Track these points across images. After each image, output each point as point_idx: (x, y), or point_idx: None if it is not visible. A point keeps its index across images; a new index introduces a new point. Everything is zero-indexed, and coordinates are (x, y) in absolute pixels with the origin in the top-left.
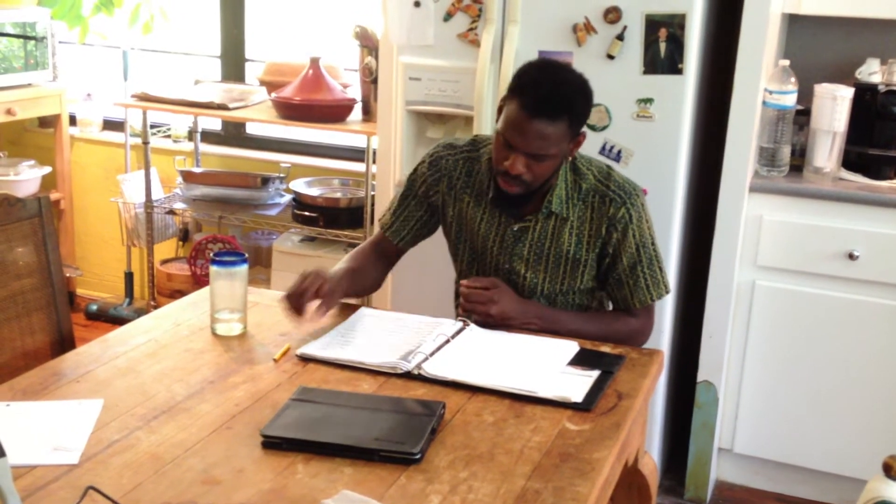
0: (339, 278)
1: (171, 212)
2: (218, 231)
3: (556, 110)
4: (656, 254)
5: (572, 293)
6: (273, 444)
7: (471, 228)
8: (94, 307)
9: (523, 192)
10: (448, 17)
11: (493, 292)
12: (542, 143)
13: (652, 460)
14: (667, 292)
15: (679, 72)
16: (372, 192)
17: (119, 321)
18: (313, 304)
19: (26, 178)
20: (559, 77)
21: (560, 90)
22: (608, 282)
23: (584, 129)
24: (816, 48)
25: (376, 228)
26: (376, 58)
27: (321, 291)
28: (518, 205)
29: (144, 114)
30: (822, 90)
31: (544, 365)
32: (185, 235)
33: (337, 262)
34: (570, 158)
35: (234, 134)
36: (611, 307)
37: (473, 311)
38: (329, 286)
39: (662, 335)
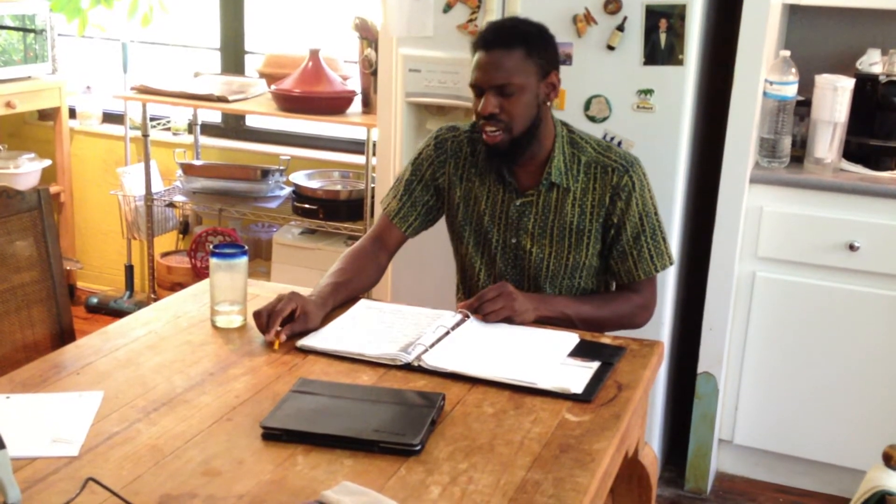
0: (324, 298)
1: (171, 204)
2: (218, 224)
3: (509, 39)
4: (659, 224)
5: (578, 272)
6: (273, 435)
7: (477, 208)
8: (95, 300)
9: (505, 140)
10: (448, 8)
11: (508, 291)
12: (503, 74)
13: (652, 451)
14: (671, 263)
15: (679, 63)
16: (372, 185)
17: (119, 314)
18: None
19: (26, 171)
20: (512, 18)
21: (512, 23)
22: (612, 255)
23: (556, 73)
24: (817, 39)
25: (378, 215)
26: (376, 49)
27: (294, 315)
28: (508, 158)
29: (144, 106)
30: (823, 81)
31: (544, 356)
32: (185, 228)
33: (333, 262)
34: (548, 104)
35: (233, 126)
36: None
37: (498, 313)
38: (305, 309)
39: (663, 326)
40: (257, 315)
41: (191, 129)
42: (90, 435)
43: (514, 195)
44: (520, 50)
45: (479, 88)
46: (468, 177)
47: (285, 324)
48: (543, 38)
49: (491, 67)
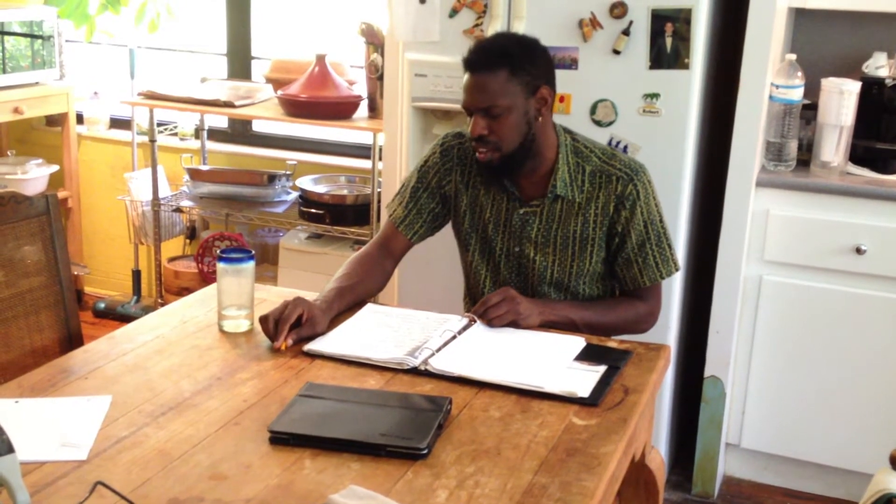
0: (329, 303)
1: (178, 209)
2: (225, 228)
3: (491, 61)
4: (664, 231)
5: (583, 280)
6: (280, 439)
7: (482, 216)
8: (102, 305)
9: (497, 158)
10: (453, 13)
11: (511, 296)
12: (487, 96)
13: (659, 455)
14: (676, 270)
15: (685, 67)
16: (378, 189)
17: (126, 319)
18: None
19: (34, 177)
20: (496, 36)
21: (493, 43)
22: (617, 262)
23: (548, 87)
24: (823, 42)
25: (384, 220)
26: (382, 54)
27: (301, 320)
28: (503, 173)
29: (151, 112)
30: (829, 84)
31: (551, 360)
32: (192, 233)
33: (339, 267)
34: (539, 119)
35: (240, 131)
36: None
37: (502, 318)
38: (311, 314)
39: (669, 330)
40: (264, 320)
41: (198, 134)
42: (98, 439)
43: (517, 204)
44: (503, 71)
45: (468, 110)
46: (474, 184)
47: (292, 329)
48: (529, 55)
49: (476, 90)
